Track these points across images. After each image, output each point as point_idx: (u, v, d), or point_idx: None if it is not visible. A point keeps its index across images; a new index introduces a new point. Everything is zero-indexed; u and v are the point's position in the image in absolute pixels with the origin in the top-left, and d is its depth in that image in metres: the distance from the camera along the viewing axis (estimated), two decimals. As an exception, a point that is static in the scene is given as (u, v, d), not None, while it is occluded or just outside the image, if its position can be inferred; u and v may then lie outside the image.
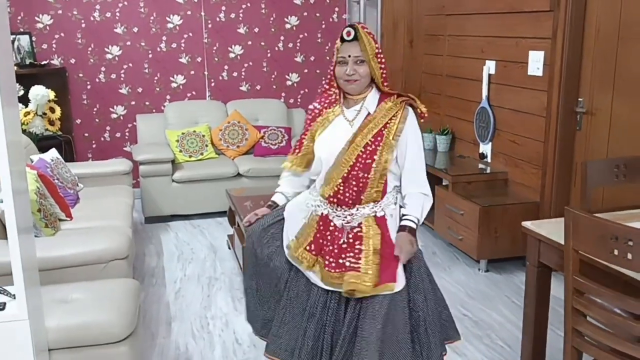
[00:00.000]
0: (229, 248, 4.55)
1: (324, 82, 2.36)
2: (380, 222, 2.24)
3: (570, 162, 3.87)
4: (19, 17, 5.45)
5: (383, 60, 2.24)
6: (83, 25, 5.61)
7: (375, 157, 2.19)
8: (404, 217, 2.25)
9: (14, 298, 2.17)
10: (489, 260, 4.14)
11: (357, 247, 2.21)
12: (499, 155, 4.46)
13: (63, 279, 2.88)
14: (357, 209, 2.24)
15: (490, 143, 4.53)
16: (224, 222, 5.10)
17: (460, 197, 4.19)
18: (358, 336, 2.17)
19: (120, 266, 3.13)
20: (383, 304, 2.15)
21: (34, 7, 5.48)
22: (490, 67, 4.46)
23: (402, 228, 2.22)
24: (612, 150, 3.56)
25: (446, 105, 5.19)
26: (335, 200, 2.25)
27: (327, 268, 2.22)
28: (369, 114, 2.25)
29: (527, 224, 2.59)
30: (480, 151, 4.65)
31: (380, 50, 2.23)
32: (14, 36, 5.30)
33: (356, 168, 2.20)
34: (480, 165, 4.57)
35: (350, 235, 2.23)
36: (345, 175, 2.21)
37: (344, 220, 2.25)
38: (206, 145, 5.53)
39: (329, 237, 2.26)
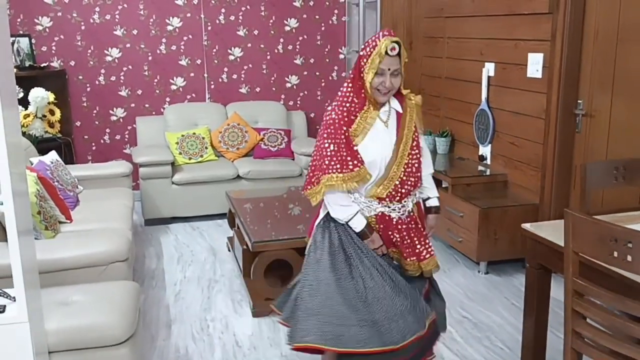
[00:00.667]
0: (229, 250, 4.55)
1: (345, 89, 2.39)
2: (417, 205, 2.53)
3: (569, 164, 3.87)
4: (19, 19, 5.45)
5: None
6: (83, 27, 5.62)
7: (419, 148, 2.45)
8: (429, 199, 2.58)
9: (14, 300, 2.17)
10: (488, 262, 4.14)
11: (419, 231, 2.48)
12: (498, 157, 4.47)
13: (63, 282, 2.88)
14: (407, 199, 2.45)
15: (489, 145, 4.54)
16: (224, 225, 5.10)
17: (459, 199, 4.19)
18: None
19: (120, 268, 3.13)
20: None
21: (33, 9, 5.48)
22: (489, 69, 4.47)
23: (432, 210, 2.60)
24: (612, 152, 3.56)
25: (446, 108, 5.19)
26: (391, 197, 2.39)
27: (406, 259, 2.44)
28: (397, 112, 2.44)
29: (526, 225, 2.60)
30: (480, 153, 4.66)
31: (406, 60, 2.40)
32: (13, 38, 5.30)
33: (410, 163, 2.40)
34: (480, 167, 4.58)
35: (408, 223, 2.44)
36: (401, 174, 2.39)
37: (399, 213, 2.43)
38: (206, 148, 5.53)
39: (391, 233, 2.42)
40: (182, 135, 5.51)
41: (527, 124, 4.11)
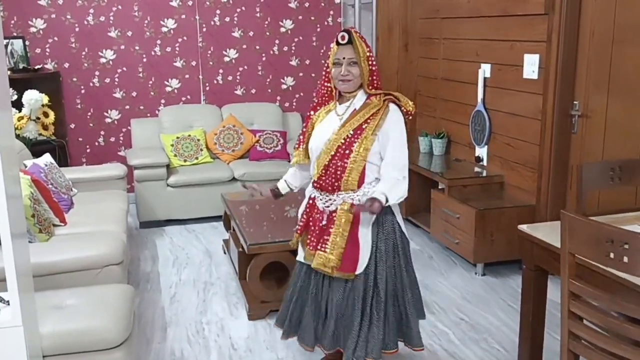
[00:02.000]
0: (225, 253, 4.54)
1: (320, 81, 2.64)
2: (356, 211, 2.49)
3: (565, 165, 3.87)
4: (12, 21, 5.43)
5: (374, 63, 2.52)
6: (77, 29, 5.59)
7: (353, 148, 2.46)
8: (373, 192, 2.48)
9: (8, 304, 2.16)
10: (485, 263, 4.14)
11: (329, 229, 2.53)
12: (494, 158, 4.47)
13: (57, 285, 2.87)
14: (337, 195, 2.53)
15: (485, 146, 4.53)
16: (220, 227, 5.08)
17: (456, 201, 4.18)
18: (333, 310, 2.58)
19: (114, 271, 3.11)
20: (346, 287, 2.56)
21: (27, 11, 5.46)
22: (485, 70, 4.47)
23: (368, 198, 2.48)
24: (608, 152, 3.57)
25: (442, 109, 5.19)
26: (318, 185, 2.57)
27: (308, 246, 2.60)
28: (354, 109, 2.53)
29: (523, 227, 2.59)
30: (476, 154, 4.65)
31: (371, 54, 2.51)
32: (7, 40, 5.27)
33: (336, 157, 2.48)
34: (476, 169, 4.57)
35: (328, 219, 2.55)
36: (327, 163, 2.51)
37: (324, 204, 2.57)
38: (201, 150, 5.52)
39: (312, 218, 2.62)
40: (177, 137, 5.49)
41: (523, 125, 4.10)
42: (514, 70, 4.15)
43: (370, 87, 2.52)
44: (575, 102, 3.77)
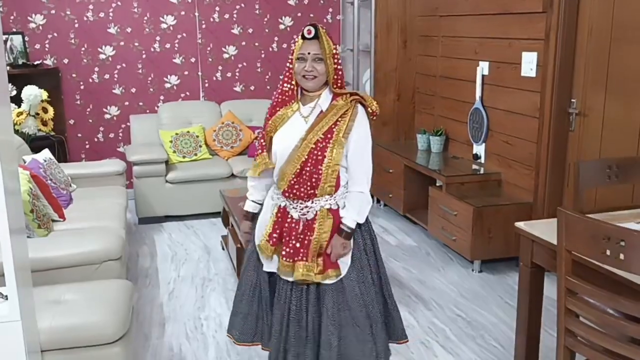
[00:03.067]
0: (223, 249, 4.54)
1: (281, 79, 2.41)
2: (334, 213, 2.36)
3: (563, 162, 3.88)
4: (12, 17, 5.43)
5: (339, 62, 2.34)
6: (76, 25, 5.59)
7: (326, 153, 2.29)
8: (342, 220, 2.35)
9: (6, 299, 2.16)
10: (482, 260, 4.15)
11: (309, 237, 2.34)
12: (492, 156, 4.48)
13: (56, 280, 2.87)
14: (313, 202, 2.35)
15: (483, 144, 4.54)
16: (218, 223, 5.09)
17: (453, 198, 4.19)
18: (322, 322, 2.37)
19: (113, 267, 3.12)
20: (335, 290, 2.36)
21: (26, 7, 5.45)
22: (483, 68, 4.47)
23: (339, 231, 2.35)
24: (605, 150, 3.58)
25: (440, 106, 5.20)
26: (290, 194, 2.35)
27: (283, 258, 2.36)
28: (321, 111, 2.34)
29: (520, 224, 2.60)
30: (474, 152, 4.66)
31: (337, 52, 2.34)
32: (6, 36, 5.27)
33: (308, 164, 2.30)
34: (474, 166, 4.58)
35: (305, 226, 2.36)
36: (298, 170, 2.30)
37: (300, 212, 2.36)
38: (200, 146, 5.52)
39: (286, 228, 2.38)
40: (176, 134, 5.49)
41: (521, 123, 4.11)
42: (512, 68, 4.16)
43: (335, 87, 2.34)
44: (572, 100, 3.78)
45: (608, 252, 1.85)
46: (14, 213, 2.10)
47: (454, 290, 3.89)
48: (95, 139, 5.85)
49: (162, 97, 5.92)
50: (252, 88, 6.16)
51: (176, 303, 3.74)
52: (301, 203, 2.35)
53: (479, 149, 4.60)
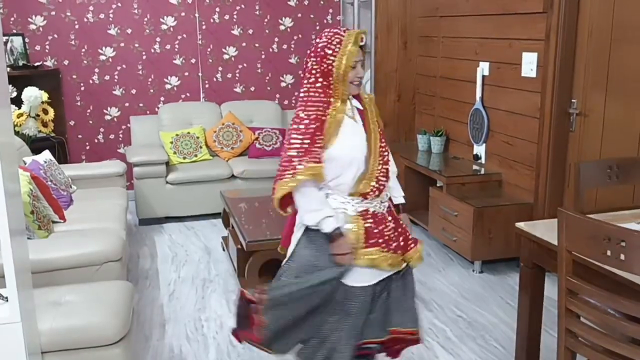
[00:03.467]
0: (224, 250, 4.54)
1: (311, 87, 2.29)
2: (390, 200, 2.50)
3: (563, 163, 3.88)
4: (12, 18, 5.43)
5: None
6: (76, 26, 5.59)
7: (384, 142, 2.43)
8: (398, 201, 2.55)
9: (7, 300, 2.16)
10: (483, 261, 4.15)
11: (400, 224, 2.45)
12: (492, 156, 4.47)
13: (56, 282, 2.87)
14: (384, 193, 2.41)
15: (484, 144, 4.54)
16: (219, 224, 5.09)
17: (454, 199, 4.19)
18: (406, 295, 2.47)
19: (113, 268, 3.12)
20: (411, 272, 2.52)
21: (27, 8, 5.46)
22: (484, 68, 4.47)
23: (401, 208, 2.55)
24: (605, 151, 3.57)
25: (440, 107, 5.19)
26: (376, 190, 2.34)
27: (388, 251, 2.33)
28: (358, 109, 2.39)
29: (520, 225, 2.60)
30: (474, 152, 4.66)
31: None
32: (6, 37, 5.27)
33: (384, 154, 2.41)
34: (474, 167, 4.58)
35: (391, 215, 2.43)
36: (378, 167, 2.36)
37: (380, 208, 2.39)
38: (200, 147, 5.52)
39: (377, 229, 2.33)
40: (177, 135, 5.49)
41: (521, 123, 4.11)
42: (512, 69, 4.16)
43: None
44: (573, 101, 3.78)
45: (609, 253, 1.85)
46: (15, 214, 2.10)
47: (455, 291, 3.88)
48: (96, 140, 5.85)
49: (162, 98, 5.92)
50: (252, 89, 6.16)
51: (177, 304, 3.74)
52: (378, 198, 2.37)
53: (480, 149, 4.60)
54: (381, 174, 2.37)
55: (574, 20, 3.68)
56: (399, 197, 2.56)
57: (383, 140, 2.43)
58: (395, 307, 2.45)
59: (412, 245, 2.44)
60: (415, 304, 2.52)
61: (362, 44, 2.29)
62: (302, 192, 2.25)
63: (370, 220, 2.33)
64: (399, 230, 2.42)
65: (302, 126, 2.25)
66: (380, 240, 2.32)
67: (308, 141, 2.22)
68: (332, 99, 2.29)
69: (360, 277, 2.32)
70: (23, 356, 2.16)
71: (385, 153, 2.43)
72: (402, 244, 2.40)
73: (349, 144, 2.29)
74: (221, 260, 4.44)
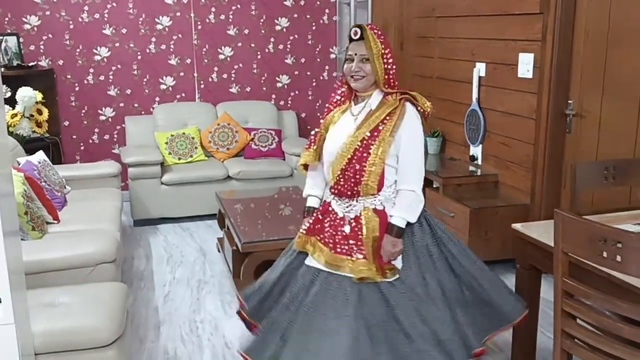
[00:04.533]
0: (219, 251, 4.53)
1: (337, 80, 2.56)
2: (380, 214, 2.36)
3: (560, 164, 3.88)
4: (6, 18, 5.40)
5: (390, 61, 2.36)
6: (71, 26, 5.57)
7: (370, 150, 2.31)
8: (391, 217, 2.35)
9: (0, 302, 2.14)
10: (479, 262, 4.14)
11: (360, 237, 2.35)
12: (489, 157, 4.47)
13: (50, 283, 2.86)
14: (357, 201, 2.38)
15: (480, 145, 4.54)
16: (214, 225, 5.07)
17: (450, 200, 4.19)
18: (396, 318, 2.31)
19: (108, 270, 3.10)
20: (384, 290, 2.32)
21: (21, 8, 5.43)
22: (480, 69, 4.47)
23: (388, 230, 2.34)
24: (602, 152, 3.57)
25: (436, 108, 5.10)
26: (336, 190, 2.41)
27: (332, 251, 2.36)
28: (370, 110, 2.38)
29: (517, 226, 2.60)
30: (471, 153, 4.66)
31: (387, 52, 2.35)
32: (1, 37, 5.25)
33: (353, 160, 2.33)
34: (471, 168, 4.58)
35: (353, 224, 2.37)
36: (344, 167, 2.35)
37: (344, 210, 2.41)
38: (196, 148, 5.50)
39: (328, 223, 2.42)
40: (172, 135, 5.47)
41: (517, 124, 4.11)
42: (508, 70, 4.16)
43: (386, 86, 2.36)
44: (569, 102, 3.78)
45: (605, 254, 1.84)
46: (8, 215, 2.08)
47: (451, 292, 3.87)
48: (90, 141, 5.83)
49: (157, 99, 5.90)
50: (248, 89, 6.14)
51: (171, 306, 3.72)
52: (345, 201, 2.40)
53: (476, 150, 4.60)
54: (341, 176, 2.36)
55: (570, 21, 3.68)
56: (395, 217, 2.34)
57: (364, 148, 2.30)
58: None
59: (358, 258, 2.31)
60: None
61: (354, 38, 2.35)
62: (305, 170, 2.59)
63: (322, 214, 2.45)
64: (351, 240, 2.34)
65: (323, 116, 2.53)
66: (309, 224, 2.45)
67: (317, 130, 2.50)
68: (349, 93, 2.46)
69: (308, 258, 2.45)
70: (16, 358, 2.14)
71: (358, 162, 2.31)
72: (340, 248, 2.35)
73: (332, 138, 2.43)
74: (216, 261, 4.42)
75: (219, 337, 3.34)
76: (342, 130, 2.40)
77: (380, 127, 2.32)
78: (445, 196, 4.25)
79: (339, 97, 2.49)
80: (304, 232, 2.45)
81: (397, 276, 2.33)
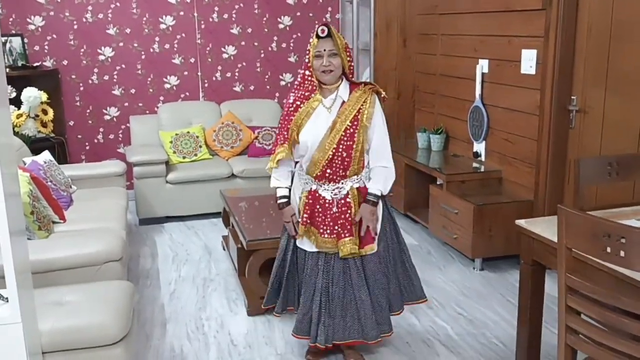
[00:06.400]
0: (224, 249, 4.54)
1: (300, 75, 2.69)
2: (363, 191, 2.71)
3: (563, 160, 3.88)
4: (11, 19, 5.43)
5: (350, 54, 2.66)
6: (75, 26, 5.59)
7: (354, 138, 2.62)
8: (368, 192, 2.69)
9: (7, 301, 2.16)
10: (483, 258, 4.15)
11: (348, 214, 2.68)
12: (492, 153, 4.47)
13: (57, 282, 2.87)
14: (343, 183, 2.68)
15: (484, 142, 4.54)
16: (219, 223, 5.09)
17: (454, 196, 4.19)
18: (352, 288, 2.74)
19: (114, 268, 3.12)
20: (370, 262, 2.75)
21: (25, 9, 5.45)
22: (483, 66, 4.47)
23: (366, 200, 2.69)
24: (605, 147, 3.57)
25: (440, 105, 5.19)
26: (323, 178, 2.67)
27: (321, 236, 2.69)
28: (343, 102, 2.64)
29: (520, 222, 2.60)
30: (474, 150, 4.66)
31: (348, 47, 2.66)
32: (5, 38, 5.27)
33: (340, 149, 2.61)
34: (474, 164, 4.58)
35: (340, 205, 2.68)
36: (330, 156, 2.61)
37: (332, 193, 2.69)
38: (200, 146, 5.52)
39: (319, 209, 2.70)
40: (176, 134, 5.49)
41: (521, 121, 4.11)
42: (511, 66, 4.15)
43: (351, 77, 2.66)
44: (572, 97, 3.77)
45: (608, 250, 1.85)
46: (14, 215, 2.10)
47: (455, 289, 3.88)
48: (95, 140, 5.85)
49: (161, 98, 5.92)
50: (251, 88, 6.15)
51: (177, 304, 3.74)
52: (333, 184, 2.68)
53: (479, 146, 4.60)
54: (329, 165, 2.62)
55: (573, 16, 3.67)
56: (372, 187, 2.69)
57: (348, 136, 2.60)
58: (339, 312, 2.74)
59: (346, 236, 2.66)
60: (365, 315, 2.74)
61: (322, 35, 2.57)
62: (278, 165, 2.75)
63: (312, 201, 2.70)
64: (340, 221, 2.68)
65: (284, 109, 2.73)
66: (305, 216, 2.69)
67: (284, 123, 2.69)
68: (316, 88, 2.64)
69: (303, 243, 2.79)
70: (24, 357, 2.16)
71: (344, 148, 2.60)
72: (336, 231, 2.68)
73: (310, 131, 2.63)
74: (221, 259, 4.44)
75: (224, 335, 3.35)
76: (318, 123, 2.63)
77: (358, 116, 2.61)
78: (448, 193, 4.26)
79: (304, 93, 2.66)
80: (304, 224, 2.72)
81: (374, 251, 2.75)
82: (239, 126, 5.67)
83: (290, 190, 2.81)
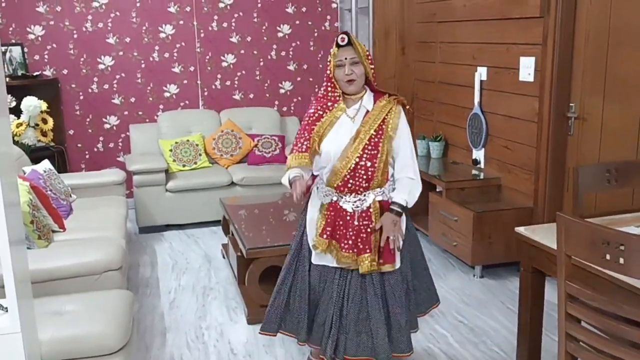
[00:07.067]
0: (224, 257, 4.54)
1: (323, 87, 2.61)
2: (385, 205, 2.55)
3: (562, 167, 3.88)
4: (11, 28, 5.44)
5: (372, 61, 2.59)
6: (75, 35, 5.61)
7: (379, 148, 2.50)
8: (392, 201, 2.55)
9: (6, 311, 2.16)
10: (483, 266, 4.15)
11: (366, 230, 2.53)
12: (491, 161, 4.48)
13: (56, 291, 2.87)
14: (365, 195, 2.54)
15: (483, 149, 4.55)
16: (218, 232, 5.09)
17: (453, 203, 4.19)
18: (367, 306, 2.57)
19: (114, 277, 3.12)
20: (388, 281, 2.57)
21: (25, 18, 5.47)
22: (481, 73, 4.48)
23: (389, 210, 2.54)
24: (604, 154, 3.58)
25: (439, 112, 5.20)
26: (345, 189, 2.54)
27: (343, 250, 2.54)
28: (367, 111, 2.54)
29: (520, 229, 2.60)
30: (473, 157, 4.66)
31: (369, 53, 2.56)
32: (5, 47, 5.29)
33: (363, 158, 2.49)
34: (474, 171, 4.58)
35: (361, 219, 2.54)
36: (353, 166, 2.49)
37: (353, 204, 2.55)
38: (200, 155, 5.53)
39: (340, 223, 2.56)
40: (176, 143, 5.50)
41: (520, 128, 4.12)
42: (510, 73, 4.17)
43: (375, 84, 2.59)
44: (571, 105, 3.78)
45: (607, 257, 1.85)
46: (14, 224, 2.10)
47: (456, 296, 3.88)
48: (95, 149, 5.86)
49: (161, 106, 5.93)
50: (251, 96, 6.17)
51: (177, 312, 3.74)
52: (355, 196, 2.54)
53: (479, 154, 4.60)
54: (351, 175, 2.49)
55: (571, 24, 3.69)
56: (397, 197, 2.55)
57: (372, 146, 2.48)
58: (353, 328, 2.56)
59: (367, 252, 2.52)
60: (378, 333, 2.55)
61: (342, 44, 2.48)
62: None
63: (333, 213, 2.56)
64: (362, 234, 2.53)
65: (304, 120, 2.60)
66: (328, 229, 2.54)
67: (303, 132, 2.57)
68: (339, 98, 2.55)
69: (323, 258, 2.61)
70: (23, 366, 2.16)
71: (367, 159, 2.48)
72: (358, 246, 2.53)
73: (332, 141, 2.53)
74: (221, 267, 4.43)
75: (224, 343, 3.35)
76: (341, 132, 2.53)
77: (383, 126, 2.51)
78: (448, 200, 4.26)
79: (326, 103, 2.57)
80: (325, 237, 2.56)
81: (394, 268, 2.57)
82: (238, 134, 5.68)
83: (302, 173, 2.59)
